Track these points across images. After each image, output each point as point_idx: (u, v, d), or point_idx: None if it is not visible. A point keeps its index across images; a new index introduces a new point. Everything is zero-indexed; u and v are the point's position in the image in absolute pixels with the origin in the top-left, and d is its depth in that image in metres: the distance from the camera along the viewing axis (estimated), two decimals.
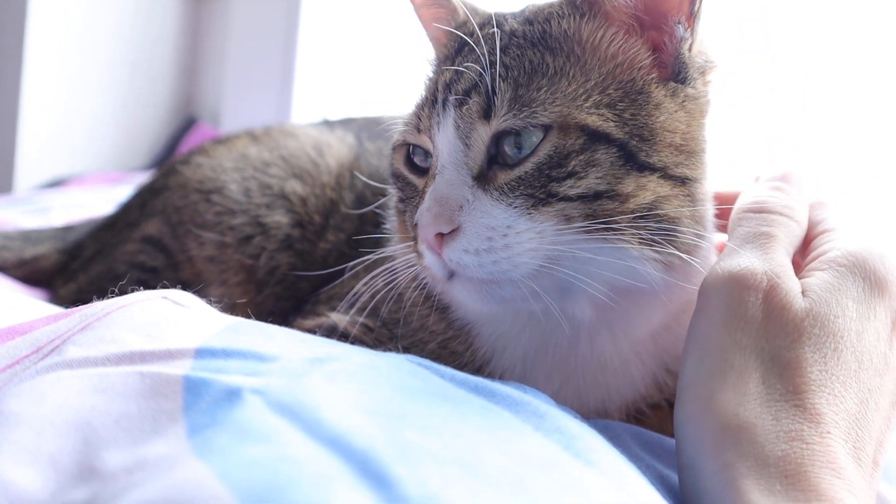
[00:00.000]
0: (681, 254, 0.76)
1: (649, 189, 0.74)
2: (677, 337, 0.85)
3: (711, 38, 0.83)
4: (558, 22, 0.81)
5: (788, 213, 0.78)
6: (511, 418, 0.61)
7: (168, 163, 1.35)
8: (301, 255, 1.14)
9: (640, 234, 0.74)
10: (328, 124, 1.38)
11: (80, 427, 0.54)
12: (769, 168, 0.86)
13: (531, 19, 0.83)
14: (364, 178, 1.15)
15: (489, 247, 0.73)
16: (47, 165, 2.31)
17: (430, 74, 0.96)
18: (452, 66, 0.82)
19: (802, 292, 0.70)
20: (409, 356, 0.71)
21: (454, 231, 0.74)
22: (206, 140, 1.37)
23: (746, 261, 0.72)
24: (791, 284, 0.70)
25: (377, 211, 1.04)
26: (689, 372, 0.71)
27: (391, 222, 0.96)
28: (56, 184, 2.24)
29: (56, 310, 0.91)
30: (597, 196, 0.73)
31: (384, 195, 1.05)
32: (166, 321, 0.67)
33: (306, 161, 1.22)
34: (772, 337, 0.68)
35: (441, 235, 0.74)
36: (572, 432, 0.61)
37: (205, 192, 1.18)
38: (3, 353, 0.64)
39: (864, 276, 0.72)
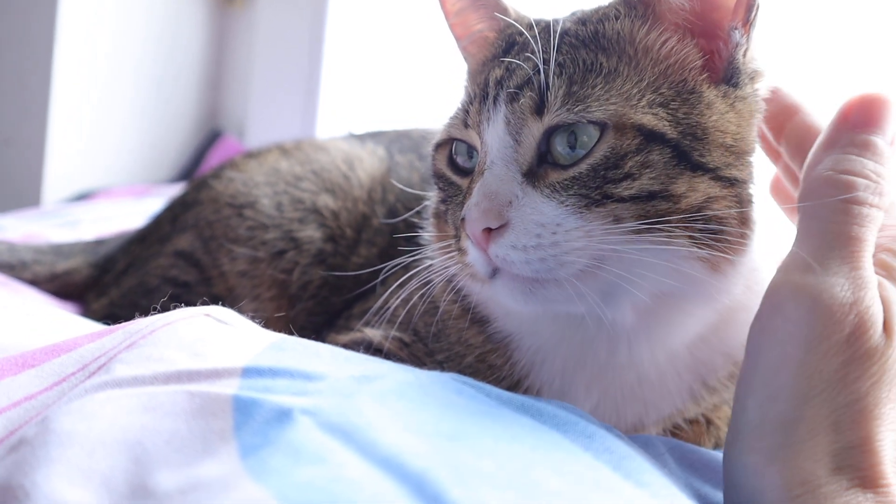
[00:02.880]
0: (728, 254, 0.75)
1: (700, 190, 0.74)
2: (714, 349, 0.84)
3: (762, 46, 0.83)
4: (612, 23, 0.81)
5: (880, 204, 0.68)
6: (561, 439, 0.60)
7: (199, 177, 1.35)
8: (334, 269, 1.14)
9: (689, 233, 0.73)
10: (359, 137, 1.38)
11: (131, 446, 0.54)
12: (855, 106, 0.73)
13: (584, 20, 0.83)
14: (399, 185, 1.15)
15: (537, 244, 0.72)
16: (75, 179, 2.33)
17: (466, 82, 0.96)
18: (502, 62, 0.82)
19: (885, 322, 0.63)
20: (453, 374, 0.71)
21: (502, 227, 0.73)
22: (236, 154, 1.37)
23: (835, 284, 0.64)
24: (877, 315, 0.63)
25: (412, 220, 1.03)
26: (752, 414, 0.66)
27: (428, 230, 0.96)
28: (83, 197, 2.26)
29: (93, 325, 0.92)
30: (650, 196, 0.73)
31: (416, 208, 1.05)
32: (211, 339, 0.67)
33: (337, 175, 1.22)
34: (850, 381, 0.62)
35: (488, 231, 0.74)
36: (621, 452, 0.61)
37: (237, 207, 1.18)
38: (49, 371, 0.65)
39: None
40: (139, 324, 0.70)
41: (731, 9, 0.78)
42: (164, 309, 1.15)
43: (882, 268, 0.67)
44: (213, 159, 2.69)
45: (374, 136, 1.38)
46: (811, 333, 0.63)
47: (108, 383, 0.60)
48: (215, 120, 2.98)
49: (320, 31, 2.73)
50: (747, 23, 0.78)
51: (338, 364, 0.65)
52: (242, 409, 0.55)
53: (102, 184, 2.42)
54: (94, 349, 0.67)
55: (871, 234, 0.66)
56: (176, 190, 2.26)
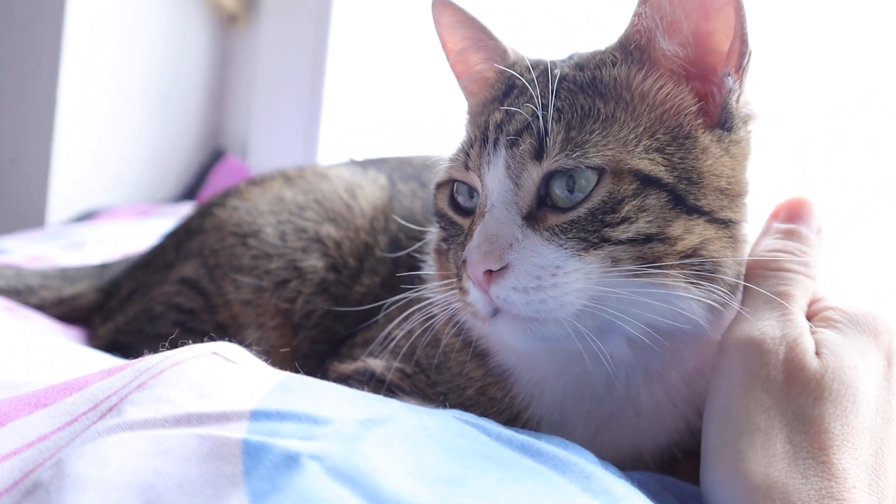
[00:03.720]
0: (723, 294, 0.78)
1: (696, 232, 0.76)
2: (710, 381, 0.86)
3: (755, 89, 0.85)
4: (609, 69, 0.83)
5: (805, 272, 0.80)
6: (559, 480, 0.62)
7: (203, 203, 1.37)
8: (336, 298, 1.16)
9: (685, 274, 0.76)
10: (361, 164, 1.39)
11: (143, 490, 0.55)
12: (784, 206, 0.88)
13: (581, 65, 0.85)
14: (399, 220, 1.16)
15: (538, 285, 0.74)
16: (79, 198, 2.34)
17: (467, 119, 0.97)
18: (502, 106, 0.84)
19: (816, 351, 0.73)
20: (456, 412, 0.73)
21: (503, 269, 0.75)
22: (240, 180, 1.38)
23: (765, 325, 0.75)
24: (808, 345, 0.73)
25: (413, 255, 1.05)
26: (714, 434, 0.73)
27: (429, 265, 0.97)
28: (87, 216, 2.27)
29: (102, 358, 0.93)
30: (647, 239, 0.75)
31: (418, 239, 1.06)
32: (219, 379, 0.68)
33: (340, 204, 1.23)
34: (794, 396, 0.70)
35: (489, 273, 0.76)
36: (618, 494, 0.62)
37: (241, 236, 1.20)
38: (62, 410, 0.66)
39: (864, 328, 0.75)
40: (148, 362, 0.71)
41: (724, 54, 0.80)
42: (170, 337, 1.18)
43: (824, 321, 0.77)
44: (216, 178, 2.70)
45: (377, 164, 1.39)
46: (749, 362, 0.73)
47: (120, 426, 0.61)
48: (218, 139, 2.99)
49: (323, 51, 2.75)
50: (740, 69, 0.81)
51: (343, 405, 0.67)
52: (252, 453, 0.57)
53: (106, 203, 2.43)
54: (104, 388, 0.68)
55: (798, 291, 0.78)
56: (179, 209, 2.29)
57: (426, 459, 0.59)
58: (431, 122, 2.43)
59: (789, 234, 0.84)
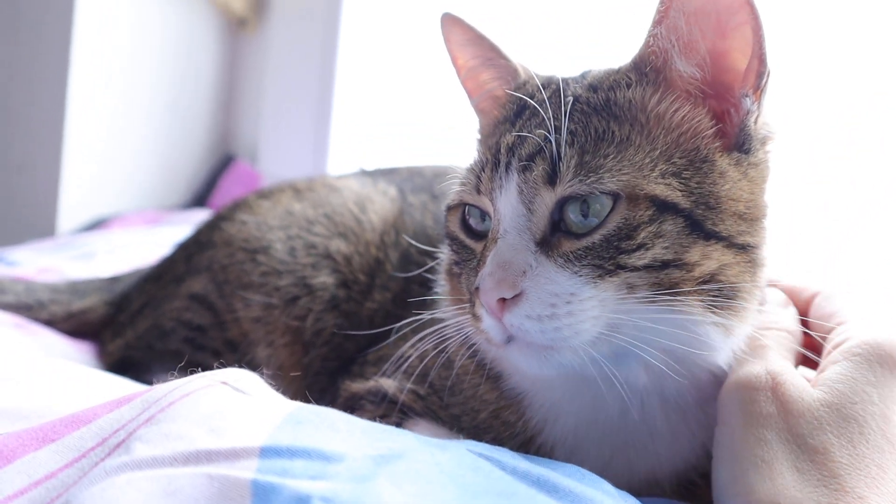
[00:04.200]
0: (741, 319, 0.77)
1: (714, 258, 0.75)
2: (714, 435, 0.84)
3: (772, 110, 0.83)
4: (623, 91, 0.81)
5: (774, 326, 0.84)
6: None
7: (213, 216, 1.36)
8: (347, 315, 1.14)
9: (702, 300, 0.74)
10: (370, 175, 1.38)
11: None
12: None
13: (595, 86, 0.83)
14: (410, 240, 1.15)
15: (552, 313, 0.73)
16: (89, 205, 2.33)
17: (478, 139, 0.96)
18: (513, 128, 0.83)
19: (813, 385, 0.75)
20: (470, 444, 0.71)
21: (517, 297, 0.74)
22: (250, 193, 1.37)
23: (748, 369, 0.78)
24: (795, 379, 0.75)
25: (425, 275, 1.04)
26: (723, 474, 0.74)
27: (441, 286, 0.96)
28: (97, 224, 2.26)
29: (110, 381, 0.92)
30: (664, 266, 0.74)
31: (429, 254, 1.05)
32: (228, 412, 0.67)
33: (349, 218, 1.22)
34: (792, 426, 0.71)
35: (503, 300, 0.74)
36: None
37: (250, 252, 1.18)
38: (69, 445, 0.65)
39: (881, 361, 0.74)
40: (157, 392, 0.70)
41: (741, 72, 0.78)
42: (179, 354, 1.17)
43: (844, 353, 0.77)
44: (226, 184, 2.70)
45: (386, 174, 1.38)
46: (742, 402, 0.75)
47: (128, 465, 0.60)
48: (227, 145, 2.98)
49: (332, 54, 2.74)
50: (758, 89, 0.79)
51: (355, 439, 0.66)
52: (261, 495, 0.56)
53: (116, 210, 2.43)
54: (112, 421, 0.67)
55: (773, 342, 0.81)
56: (189, 216, 2.28)
57: (439, 499, 0.58)
58: (441, 127, 2.42)
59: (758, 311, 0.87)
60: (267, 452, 0.61)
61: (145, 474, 0.59)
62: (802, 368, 0.85)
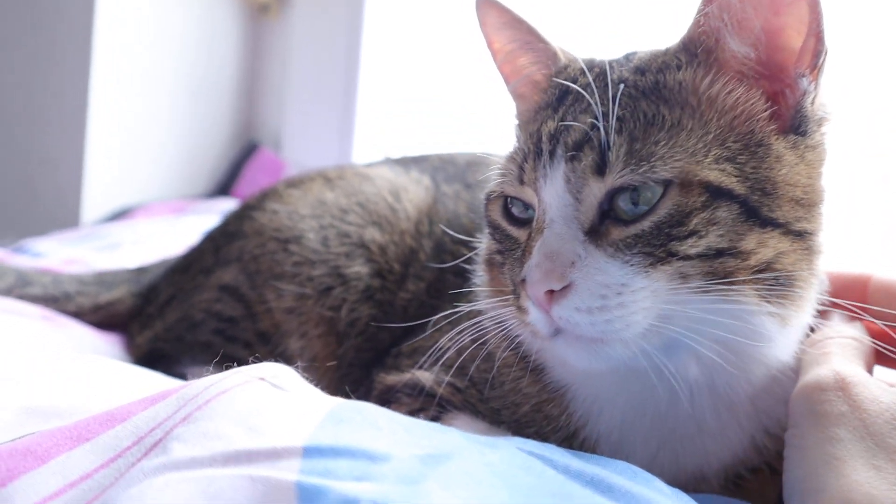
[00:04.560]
0: (798, 308, 0.75)
1: (770, 246, 0.72)
2: (777, 398, 0.82)
3: (829, 90, 0.80)
4: (673, 73, 0.78)
5: (837, 335, 0.80)
6: None
7: (240, 205, 1.34)
8: (381, 305, 1.12)
9: (758, 289, 0.72)
10: (401, 163, 1.35)
11: None
12: None
13: (643, 69, 0.80)
14: (445, 229, 1.12)
15: (602, 305, 0.70)
16: (113, 195, 2.33)
17: (516, 125, 0.93)
18: (555, 114, 0.79)
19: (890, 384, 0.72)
20: (519, 442, 0.69)
21: (565, 288, 0.71)
22: (278, 182, 1.35)
23: (815, 372, 0.75)
24: (868, 379, 0.72)
25: (461, 265, 1.01)
26: (793, 474, 0.71)
27: (480, 277, 0.93)
28: (121, 214, 2.26)
29: (144, 375, 0.91)
30: (718, 254, 0.71)
31: (464, 243, 1.02)
32: (267, 410, 0.65)
33: (384, 207, 1.19)
34: (869, 425, 0.68)
35: (551, 292, 0.71)
36: None
37: (282, 241, 1.16)
38: (104, 444, 0.63)
39: None
40: (193, 389, 0.68)
41: (796, 51, 0.75)
42: (210, 345, 1.15)
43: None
44: (250, 172, 2.68)
45: (418, 163, 1.35)
46: (813, 404, 0.72)
47: (167, 465, 0.58)
48: (251, 132, 2.96)
49: (357, 40, 2.70)
50: (815, 68, 0.76)
51: (399, 438, 0.63)
52: (307, 497, 0.54)
53: (140, 199, 2.42)
54: (148, 419, 0.65)
55: (836, 349, 0.78)
56: (213, 205, 2.27)
57: (491, 502, 0.55)
58: (467, 114, 2.39)
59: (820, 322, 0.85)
60: (310, 452, 0.59)
61: (184, 475, 0.57)
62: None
